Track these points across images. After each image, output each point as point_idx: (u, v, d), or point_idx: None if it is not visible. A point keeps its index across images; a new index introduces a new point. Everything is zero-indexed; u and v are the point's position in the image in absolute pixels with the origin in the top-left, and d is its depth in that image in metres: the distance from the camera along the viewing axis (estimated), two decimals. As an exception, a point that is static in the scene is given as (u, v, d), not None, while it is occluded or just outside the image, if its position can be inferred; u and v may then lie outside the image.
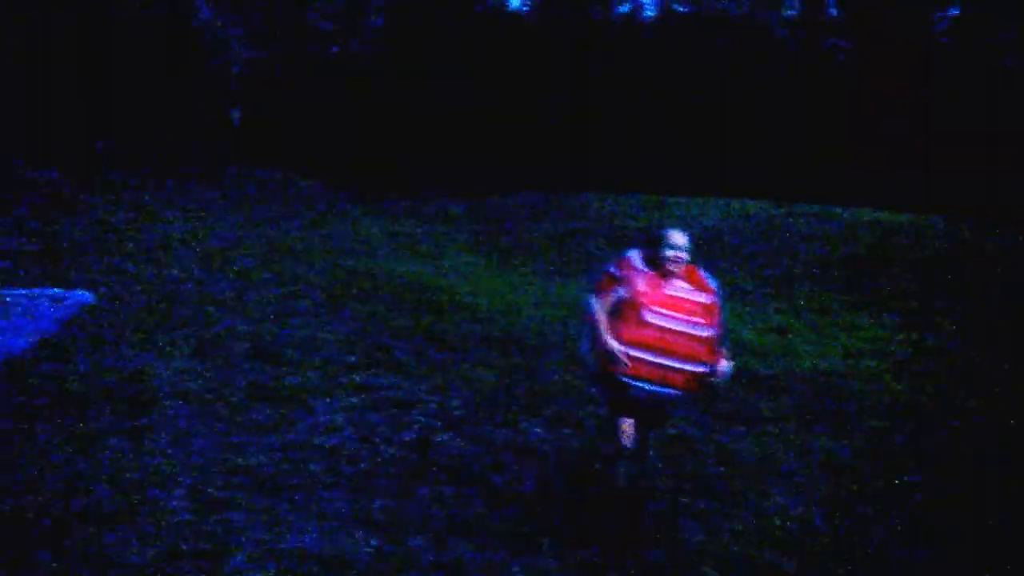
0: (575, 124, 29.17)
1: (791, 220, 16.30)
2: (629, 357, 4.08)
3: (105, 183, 18.09)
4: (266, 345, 7.92)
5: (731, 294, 4.36)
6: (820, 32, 30.89)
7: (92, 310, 8.71)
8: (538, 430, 6.10)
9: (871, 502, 5.02)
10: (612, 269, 4.38)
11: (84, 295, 9.06)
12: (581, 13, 31.02)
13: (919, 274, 12.13)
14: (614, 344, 4.10)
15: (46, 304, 8.40)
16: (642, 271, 4.25)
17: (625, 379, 4.14)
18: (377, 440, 5.76)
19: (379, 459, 5.46)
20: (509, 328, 9.11)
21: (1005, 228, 14.80)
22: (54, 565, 4.01)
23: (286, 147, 26.39)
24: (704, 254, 4.28)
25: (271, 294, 10.13)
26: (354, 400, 6.53)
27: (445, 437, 5.88)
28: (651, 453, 4.68)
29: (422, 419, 6.20)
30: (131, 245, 12.70)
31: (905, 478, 5.38)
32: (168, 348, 7.63)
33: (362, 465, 5.35)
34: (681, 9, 31.63)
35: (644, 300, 4.14)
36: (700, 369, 4.18)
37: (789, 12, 31.94)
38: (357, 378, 7.08)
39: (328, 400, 6.50)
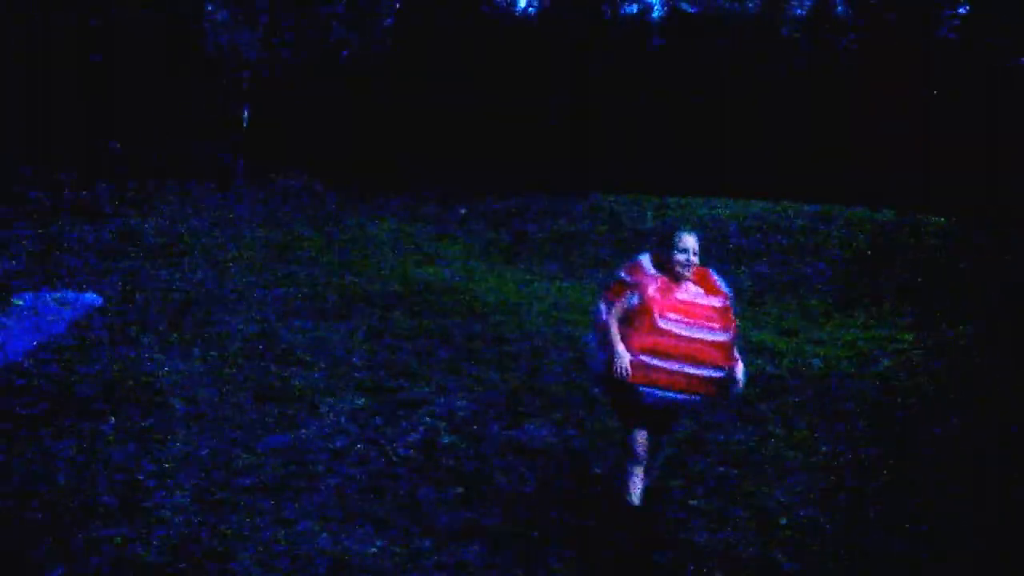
0: (580, 124, 29.17)
1: (797, 220, 16.26)
2: (645, 365, 4.00)
3: (113, 184, 18.15)
4: (273, 346, 7.94)
5: (737, 294, 4.31)
6: (827, 32, 30.81)
7: (100, 312, 8.74)
8: (544, 432, 6.09)
9: (879, 503, 5.00)
10: (623, 275, 4.31)
11: (92, 297, 9.09)
12: (587, 14, 31.00)
13: (926, 274, 12.09)
14: (624, 354, 4.02)
15: (54, 306, 8.43)
16: (653, 276, 4.15)
17: (641, 388, 4.05)
18: (383, 441, 5.76)
19: (385, 460, 5.46)
20: (515, 329, 9.11)
21: (1011, 228, 14.73)
22: (60, 565, 4.02)
23: (293, 149, 26.47)
24: (711, 255, 4.25)
25: (278, 295, 10.15)
26: (360, 401, 6.54)
27: (451, 438, 5.88)
28: (661, 458, 4.62)
29: (428, 420, 6.20)
30: (139, 247, 12.73)
31: (912, 478, 5.36)
32: (175, 349, 7.65)
33: (368, 466, 5.35)
34: (688, 9, 31.58)
35: (657, 307, 4.04)
36: (717, 374, 4.10)
37: (797, 11, 31.88)
38: (363, 379, 7.08)
39: (334, 401, 6.51)
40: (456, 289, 11.20)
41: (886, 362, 8.13)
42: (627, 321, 4.10)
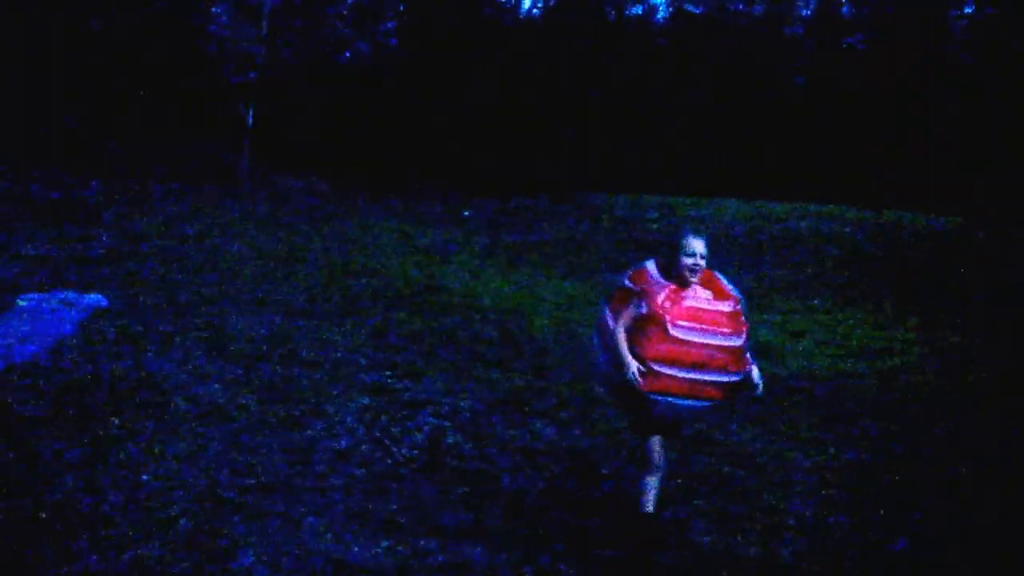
0: (584, 125, 29.17)
1: (801, 220, 16.23)
2: (657, 374, 3.94)
3: (117, 185, 18.18)
4: (277, 347, 7.94)
5: (745, 295, 4.28)
6: (834, 32, 30.77)
7: (105, 313, 8.75)
8: (549, 431, 6.08)
9: (885, 503, 4.98)
10: (626, 282, 4.23)
11: (97, 298, 9.10)
12: (591, 15, 31.01)
13: (935, 275, 12.06)
14: (634, 364, 3.95)
15: (59, 308, 8.44)
16: (661, 283, 4.07)
17: (653, 397, 3.99)
18: (388, 441, 5.76)
19: (390, 460, 5.46)
20: (520, 329, 9.10)
21: (1014, 228, 14.69)
22: (66, 565, 4.02)
23: (297, 149, 26.51)
24: (717, 256, 4.22)
25: (283, 296, 10.16)
26: (365, 401, 6.53)
27: (456, 438, 5.88)
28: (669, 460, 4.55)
29: (433, 420, 6.20)
30: (143, 248, 12.75)
31: (916, 478, 5.33)
32: (180, 350, 7.66)
33: (373, 466, 5.35)
34: (693, 9, 31.55)
35: (667, 315, 3.97)
36: (731, 379, 4.05)
37: (803, 12, 31.85)
38: (368, 379, 7.08)
39: (339, 401, 6.50)
40: (461, 290, 11.20)
41: (890, 362, 8.11)
42: (637, 330, 4.03)
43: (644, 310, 4.01)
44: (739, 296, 4.17)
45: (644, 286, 4.10)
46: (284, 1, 25.73)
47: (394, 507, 4.77)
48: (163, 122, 24.61)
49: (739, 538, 4.52)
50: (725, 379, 4.03)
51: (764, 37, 30.61)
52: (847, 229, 15.32)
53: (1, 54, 21.59)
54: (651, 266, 4.22)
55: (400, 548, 4.31)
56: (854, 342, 8.92)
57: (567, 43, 29.63)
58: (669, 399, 3.99)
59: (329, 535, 4.42)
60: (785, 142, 27.86)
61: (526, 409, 6.51)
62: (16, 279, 10.03)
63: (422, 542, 4.38)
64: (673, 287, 4.05)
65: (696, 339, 3.96)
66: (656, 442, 4.16)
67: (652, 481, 4.18)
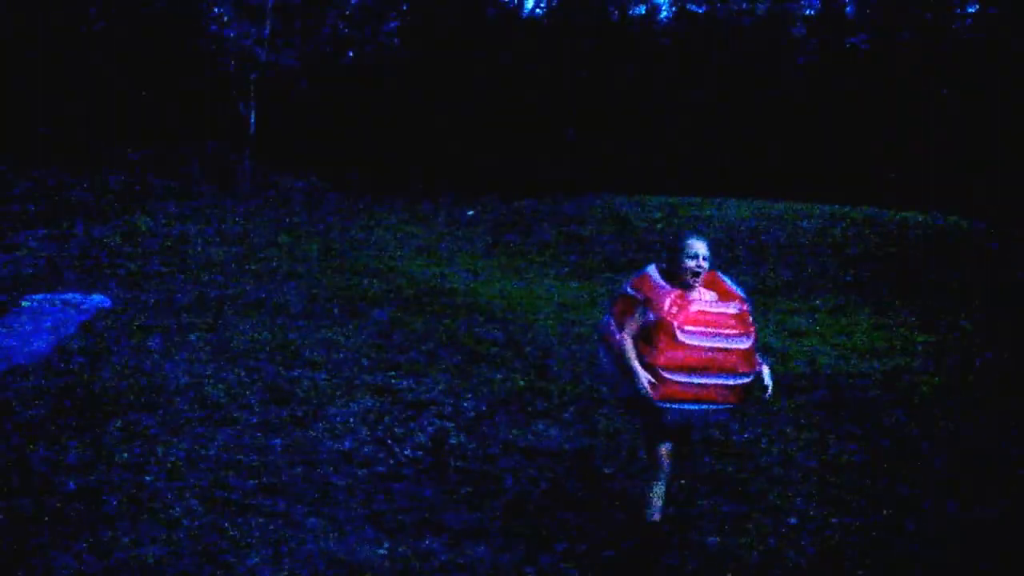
0: (588, 125, 29.16)
1: (805, 220, 16.22)
2: (669, 382, 3.89)
3: (120, 187, 18.20)
4: (280, 347, 7.95)
5: (748, 295, 4.27)
6: (838, 31, 30.73)
7: (108, 313, 8.76)
8: (553, 432, 6.08)
9: (887, 503, 4.96)
10: (629, 290, 4.18)
11: (101, 299, 9.12)
12: (595, 15, 30.99)
13: (938, 274, 12.04)
14: (645, 375, 3.90)
15: (62, 308, 8.46)
16: (665, 289, 4.00)
17: (666, 405, 3.94)
18: (391, 442, 5.76)
19: (393, 461, 5.46)
20: (524, 330, 9.10)
21: (1017, 228, 14.66)
22: (69, 566, 4.02)
23: (300, 150, 26.53)
24: (720, 257, 4.19)
25: (286, 296, 10.17)
26: (368, 402, 6.53)
27: (459, 439, 5.87)
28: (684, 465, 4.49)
29: (437, 421, 6.20)
30: (146, 248, 12.77)
31: (917, 478, 5.32)
32: (183, 351, 7.66)
33: (376, 467, 5.35)
34: (697, 9, 31.53)
35: (675, 321, 3.90)
36: (742, 381, 4.01)
37: (807, 11, 31.81)
38: (371, 380, 7.08)
39: (342, 402, 6.51)
40: (464, 290, 11.20)
41: (893, 362, 8.09)
42: (644, 338, 3.97)
43: (651, 318, 3.95)
44: (745, 296, 4.13)
45: (647, 293, 4.03)
46: (286, 1, 25.75)
47: (397, 508, 4.77)
48: (165, 122, 24.64)
49: (741, 539, 4.51)
50: (736, 381, 4.00)
51: (767, 36, 30.58)
52: (850, 229, 15.31)
53: (2, 54, 21.62)
54: (653, 271, 4.15)
55: (403, 548, 4.31)
56: (856, 342, 8.90)
57: (570, 43, 29.62)
58: (681, 406, 3.95)
59: (332, 536, 4.42)
60: (788, 142, 27.83)
61: (529, 409, 6.51)
62: (19, 279, 10.05)
63: (425, 542, 4.38)
64: (678, 292, 3.98)
65: (706, 343, 3.91)
66: (666, 448, 4.12)
67: (659, 488, 4.15)
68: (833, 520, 4.75)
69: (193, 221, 15.97)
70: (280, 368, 7.31)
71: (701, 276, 4.08)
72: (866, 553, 4.40)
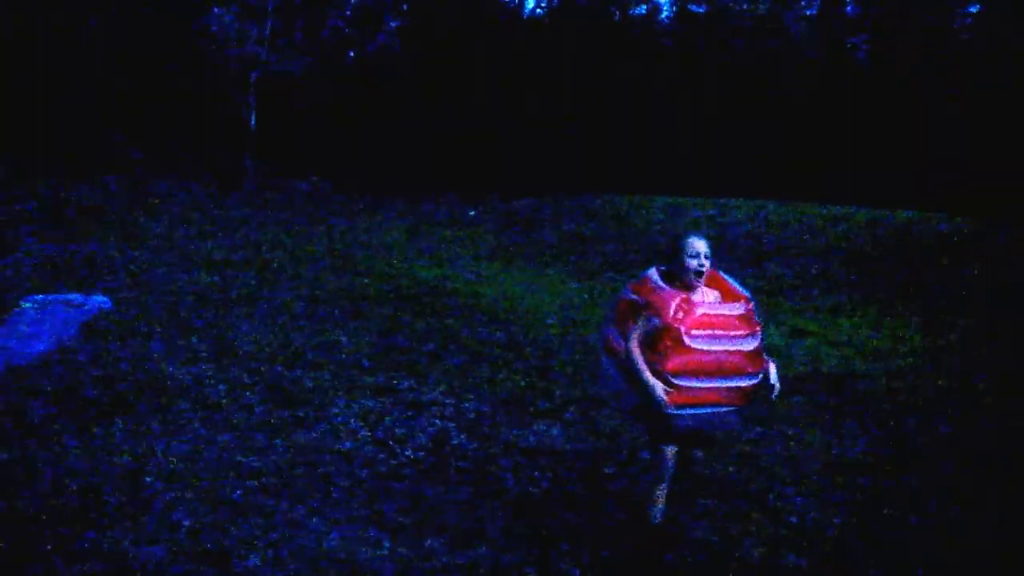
0: (589, 125, 29.15)
1: (807, 220, 16.20)
2: (678, 388, 3.85)
3: (121, 187, 18.21)
4: (282, 348, 7.95)
5: (752, 294, 4.24)
6: (839, 31, 30.71)
7: (109, 314, 8.76)
8: (554, 431, 6.08)
9: (887, 503, 4.96)
10: (630, 294, 4.12)
11: (102, 300, 9.11)
12: (596, 15, 30.99)
13: (939, 274, 12.02)
14: (657, 383, 3.86)
15: (64, 309, 8.45)
16: (669, 292, 3.96)
17: (678, 411, 3.90)
18: (392, 442, 5.76)
19: (394, 461, 5.45)
20: (526, 330, 9.09)
21: (1018, 228, 14.64)
22: (69, 566, 4.02)
23: (302, 150, 26.54)
24: (722, 257, 4.17)
25: (288, 297, 10.17)
26: (369, 402, 6.53)
27: (460, 439, 5.87)
28: (700, 468, 4.42)
29: (438, 422, 6.19)
30: (148, 250, 12.77)
31: (917, 478, 5.32)
32: (185, 352, 7.66)
33: (377, 467, 5.35)
34: (698, 9, 31.52)
35: (682, 326, 3.85)
36: (751, 382, 3.99)
37: (808, 11, 31.79)
38: (373, 381, 7.08)
39: (344, 402, 6.50)
40: (466, 290, 11.19)
41: (897, 362, 8.08)
42: (650, 344, 3.91)
43: (656, 323, 3.89)
44: (749, 296, 4.09)
45: (650, 297, 3.98)
46: (286, 1, 25.75)
47: (398, 508, 4.77)
48: (166, 123, 24.65)
49: (742, 539, 4.51)
50: (745, 383, 3.97)
51: (768, 37, 30.57)
52: (851, 229, 15.28)
53: (3, 54, 21.64)
54: (654, 274, 4.10)
55: (404, 549, 4.31)
56: (857, 342, 8.89)
57: (571, 43, 29.61)
58: (692, 410, 3.91)
59: (333, 536, 4.42)
60: (789, 142, 27.82)
61: (530, 410, 6.50)
62: (20, 280, 10.05)
63: (426, 543, 4.37)
64: (683, 296, 3.94)
65: (714, 347, 3.87)
66: (671, 451, 4.09)
67: (661, 490, 4.13)
68: (834, 520, 4.75)
69: (194, 222, 15.97)
70: (281, 369, 7.31)
71: (704, 275, 4.05)
72: (868, 553, 4.39)
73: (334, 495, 4.91)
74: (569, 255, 14.60)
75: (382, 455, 5.54)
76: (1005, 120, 25.11)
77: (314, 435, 5.84)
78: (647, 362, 3.91)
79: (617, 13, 31.90)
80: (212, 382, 6.85)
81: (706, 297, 4.06)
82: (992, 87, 26.08)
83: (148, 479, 5.00)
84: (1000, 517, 4.80)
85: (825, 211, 17.17)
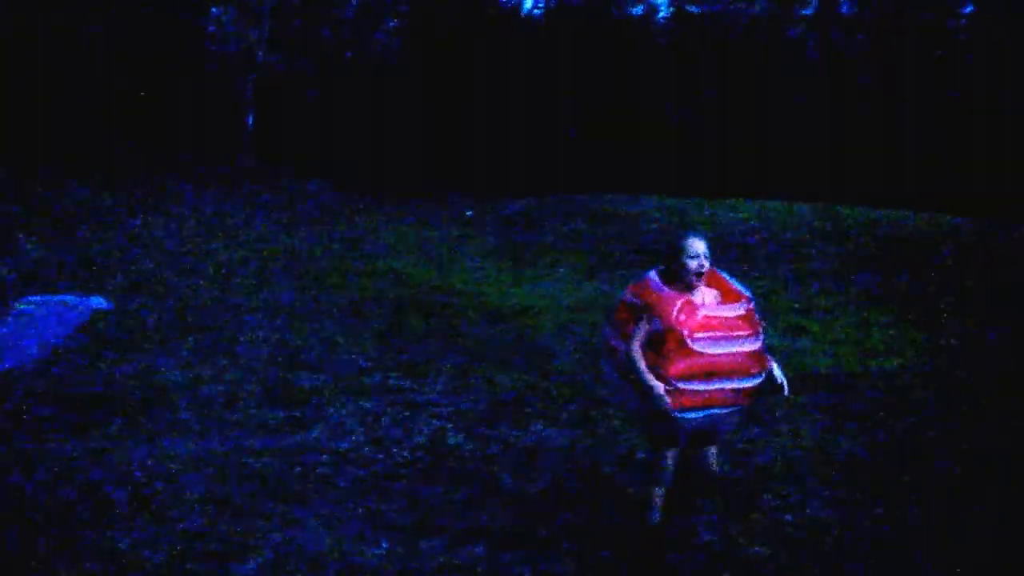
0: (587, 125, 29.15)
1: (804, 220, 16.20)
2: (682, 391, 3.83)
3: (118, 187, 18.19)
4: (279, 348, 7.94)
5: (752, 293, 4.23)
6: (835, 31, 30.74)
7: (106, 316, 8.75)
8: (551, 432, 6.07)
9: (887, 502, 4.96)
10: (629, 297, 4.10)
11: (99, 301, 9.10)
12: (593, 14, 31.00)
13: (936, 274, 12.03)
14: (660, 387, 3.83)
15: (60, 310, 8.44)
16: (670, 295, 3.93)
17: (680, 414, 3.87)
18: (389, 443, 5.75)
19: (392, 461, 5.45)
20: (525, 330, 9.09)
21: (1018, 227, 14.66)
22: (68, 568, 4.01)
23: (302, 151, 26.51)
24: (721, 257, 4.15)
25: (286, 297, 10.15)
26: (367, 403, 6.52)
27: (458, 439, 5.86)
28: (715, 468, 4.28)
29: (435, 422, 6.19)
30: (145, 250, 12.75)
31: (916, 478, 5.32)
32: (183, 353, 7.66)
33: (375, 468, 5.34)
34: (695, 9, 31.54)
35: (685, 328, 3.83)
36: (754, 382, 3.97)
37: (804, 11, 31.82)
38: (371, 381, 7.08)
39: (341, 403, 6.50)
40: (464, 290, 11.18)
41: (892, 361, 8.08)
42: (653, 348, 3.89)
43: (658, 326, 3.87)
44: (749, 295, 4.08)
45: (651, 300, 3.95)
46: (284, 1, 25.74)
47: (395, 508, 4.77)
48: (165, 123, 24.63)
49: (741, 539, 4.50)
50: (749, 383, 3.96)
51: (765, 36, 30.59)
52: (848, 229, 15.29)
53: (3, 54, 21.62)
54: (654, 276, 4.08)
55: (401, 549, 4.30)
56: (855, 341, 8.89)
57: (569, 43, 29.60)
58: (696, 413, 3.90)
59: (331, 537, 4.41)
60: (786, 141, 27.83)
61: (528, 410, 6.50)
62: (17, 281, 10.03)
63: (423, 543, 4.37)
64: (685, 298, 3.92)
65: (717, 349, 3.85)
66: (671, 456, 4.07)
67: (661, 493, 4.12)
68: (833, 520, 4.74)
69: (192, 222, 15.95)
70: (279, 369, 7.30)
71: (704, 275, 4.03)
72: (867, 553, 4.39)
73: (331, 496, 4.90)
74: (567, 255, 14.59)
75: (379, 455, 5.54)
76: (1003, 120, 25.15)
77: (311, 436, 5.83)
78: (650, 365, 3.89)
79: (615, 12, 31.92)
80: (210, 383, 6.85)
81: (706, 297, 4.04)
82: (989, 86, 26.12)
83: (145, 480, 4.99)
84: (1000, 517, 4.80)
85: (821, 210, 17.17)
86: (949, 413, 6.59)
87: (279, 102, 26.98)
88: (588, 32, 30.10)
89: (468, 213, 19.56)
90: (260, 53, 24.54)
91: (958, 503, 4.96)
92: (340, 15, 28.12)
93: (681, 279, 4.02)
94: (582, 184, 24.43)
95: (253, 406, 6.35)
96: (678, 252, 4.02)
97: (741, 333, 3.92)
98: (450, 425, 6.12)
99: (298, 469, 5.25)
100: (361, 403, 6.52)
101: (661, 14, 32.85)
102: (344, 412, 6.31)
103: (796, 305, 10.66)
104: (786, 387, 4.10)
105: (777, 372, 4.08)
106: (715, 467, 4.23)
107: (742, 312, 3.98)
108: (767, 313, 9.92)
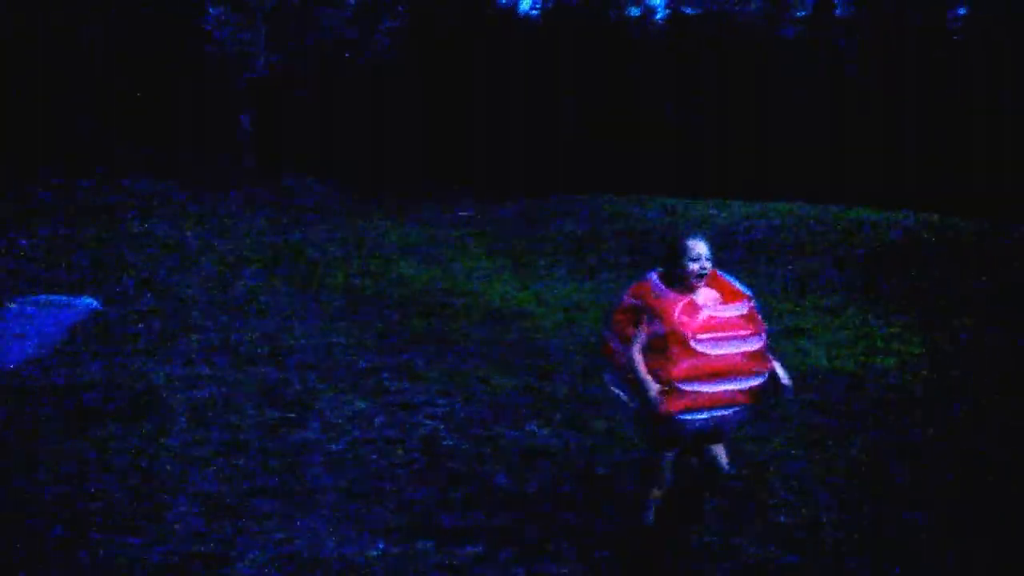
0: (585, 126, 29.17)
1: (802, 221, 16.20)
2: (685, 393, 3.79)
3: (115, 187, 18.16)
4: (275, 349, 7.91)
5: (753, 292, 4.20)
6: (829, 32, 30.80)
7: (98, 316, 8.71)
8: (545, 432, 6.04)
9: (881, 502, 4.94)
10: (629, 299, 4.06)
11: (90, 301, 9.06)
12: (591, 16, 31.03)
13: (932, 274, 12.02)
14: (656, 389, 3.79)
15: (51, 310, 8.41)
16: (672, 296, 3.89)
17: (683, 417, 3.84)
18: (385, 443, 5.72)
19: (387, 462, 5.42)
20: (521, 331, 9.07)
21: (1013, 227, 14.65)
22: (65, 569, 3.98)
23: (298, 151, 26.51)
24: (718, 256, 4.11)
25: (282, 298, 10.14)
26: (362, 404, 6.50)
27: (453, 440, 5.83)
28: (726, 468, 4.17)
29: (430, 422, 6.16)
30: (139, 250, 12.72)
31: (916, 478, 5.29)
32: (175, 353, 7.63)
33: (370, 468, 5.31)
34: (690, 11, 31.59)
35: (687, 330, 3.79)
36: (757, 381, 3.94)
37: (799, 13, 31.90)
38: (366, 381, 7.05)
39: (337, 404, 6.47)
40: (460, 290, 11.16)
41: (891, 361, 8.07)
42: (655, 350, 3.85)
43: (660, 329, 3.83)
44: (750, 294, 4.04)
45: (652, 302, 3.91)
46: (282, 2, 25.70)
47: (391, 509, 4.74)
48: (162, 123, 24.62)
49: (737, 538, 4.47)
50: (752, 383, 3.93)
51: (761, 37, 30.63)
52: (847, 228, 15.29)
53: (1, 54, 21.62)
54: (654, 278, 4.03)
55: (396, 550, 4.28)
56: (852, 341, 8.87)
57: (567, 43, 29.63)
58: (700, 415, 3.86)
59: (325, 537, 4.38)
60: (784, 142, 27.86)
61: (523, 411, 6.47)
62: (8, 280, 10.00)
63: (418, 544, 4.34)
64: (687, 300, 3.88)
65: (720, 350, 3.82)
66: (669, 459, 4.03)
67: (657, 495, 4.08)
68: (831, 520, 4.71)
69: (187, 222, 15.92)
70: (273, 369, 7.28)
71: (704, 278, 3.98)
72: (866, 553, 4.36)
73: (326, 496, 4.88)
74: (565, 255, 14.58)
75: (374, 456, 5.51)
76: (1003, 120, 25.19)
77: (306, 436, 5.80)
78: (653, 368, 3.85)
79: (613, 13, 31.96)
80: (204, 383, 6.82)
81: (707, 298, 4.00)
82: (988, 86, 26.16)
83: (140, 481, 4.96)
84: (999, 517, 4.78)
85: (818, 211, 17.17)
86: (948, 413, 6.57)
87: (279, 103, 26.99)
88: (586, 32, 30.13)
89: (466, 213, 19.56)
90: (258, 53, 24.51)
91: (957, 503, 4.94)
92: (338, 15, 28.06)
93: (682, 281, 3.98)
94: (582, 184, 24.44)
95: (250, 406, 6.32)
96: (679, 254, 3.97)
97: (743, 333, 3.89)
98: (445, 426, 6.09)
99: (293, 470, 5.22)
100: (357, 403, 6.49)
101: (658, 15, 32.93)
102: (340, 413, 6.28)
103: (795, 305, 10.64)
104: (789, 388, 4.05)
105: (780, 371, 4.04)
106: (726, 466, 4.15)
107: (744, 311, 3.94)
108: (766, 313, 9.92)
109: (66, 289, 9.72)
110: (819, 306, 10.59)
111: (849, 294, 11.21)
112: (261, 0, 24.31)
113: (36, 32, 22.19)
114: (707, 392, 3.83)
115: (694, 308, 3.86)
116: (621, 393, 4.08)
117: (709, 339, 3.82)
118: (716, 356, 3.82)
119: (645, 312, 3.92)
